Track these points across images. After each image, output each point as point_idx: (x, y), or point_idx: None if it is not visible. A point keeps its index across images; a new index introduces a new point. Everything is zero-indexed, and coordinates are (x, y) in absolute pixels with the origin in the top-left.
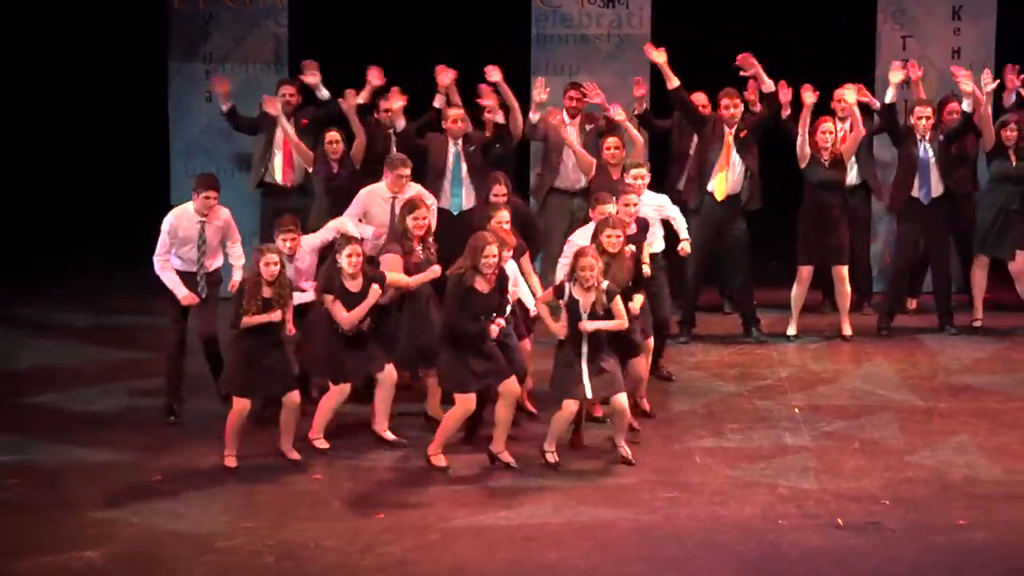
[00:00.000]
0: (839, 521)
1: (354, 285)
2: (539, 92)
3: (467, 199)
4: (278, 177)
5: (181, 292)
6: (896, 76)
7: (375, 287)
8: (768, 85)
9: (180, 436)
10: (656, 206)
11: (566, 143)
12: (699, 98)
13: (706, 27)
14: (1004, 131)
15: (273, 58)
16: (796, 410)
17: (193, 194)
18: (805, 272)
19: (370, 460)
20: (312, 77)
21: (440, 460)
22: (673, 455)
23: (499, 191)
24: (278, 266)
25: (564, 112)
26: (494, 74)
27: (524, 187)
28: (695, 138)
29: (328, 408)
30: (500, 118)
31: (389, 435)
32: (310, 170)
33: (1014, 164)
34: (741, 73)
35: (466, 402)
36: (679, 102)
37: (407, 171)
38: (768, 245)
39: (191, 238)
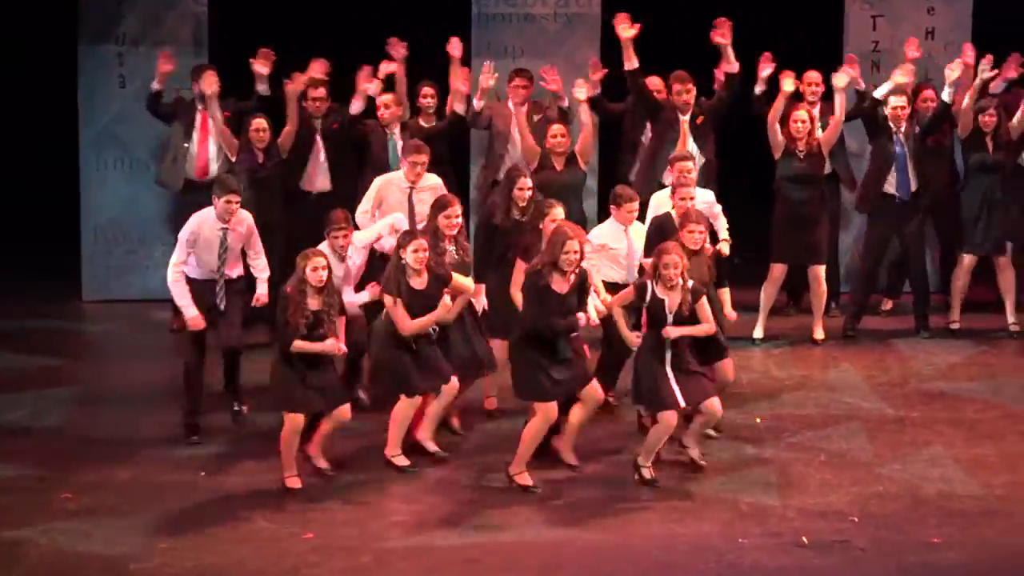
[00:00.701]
0: (804, 539)
1: (420, 283)
2: (486, 78)
3: None
4: (191, 172)
5: (190, 312)
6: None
7: (445, 300)
8: (732, 65)
9: (90, 450)
10: (705, 203)
11: (514, 127)
12: (654, 83)
13: (661, 6)
14: (983, 116)
15: (192, 40)
16: (757, 420)
17: (213, 198)
18: (777, 270)
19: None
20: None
21: (526, 479)
22: (626, 469)
23: (524, 184)
24: (327, 271)
25: (509, 101)
26: (455, 48)
27: (464, 180)
28: (649, 125)
29: (400, 421)
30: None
31: (431, 445)
32: (233, 159)
33: (991, 153)
34: (715, 39)
35: (548, 411)
36: (635, 86)
37: (423, 158)
38: (733, 240)
39: (212, 245)
